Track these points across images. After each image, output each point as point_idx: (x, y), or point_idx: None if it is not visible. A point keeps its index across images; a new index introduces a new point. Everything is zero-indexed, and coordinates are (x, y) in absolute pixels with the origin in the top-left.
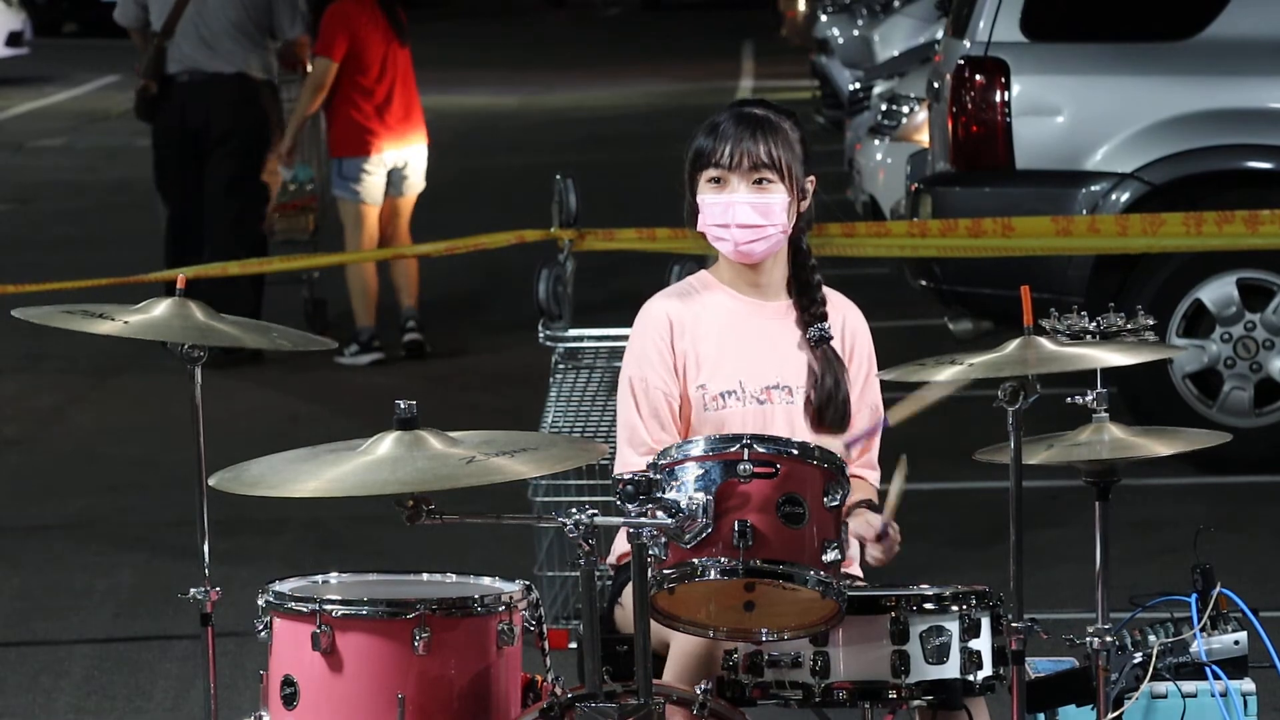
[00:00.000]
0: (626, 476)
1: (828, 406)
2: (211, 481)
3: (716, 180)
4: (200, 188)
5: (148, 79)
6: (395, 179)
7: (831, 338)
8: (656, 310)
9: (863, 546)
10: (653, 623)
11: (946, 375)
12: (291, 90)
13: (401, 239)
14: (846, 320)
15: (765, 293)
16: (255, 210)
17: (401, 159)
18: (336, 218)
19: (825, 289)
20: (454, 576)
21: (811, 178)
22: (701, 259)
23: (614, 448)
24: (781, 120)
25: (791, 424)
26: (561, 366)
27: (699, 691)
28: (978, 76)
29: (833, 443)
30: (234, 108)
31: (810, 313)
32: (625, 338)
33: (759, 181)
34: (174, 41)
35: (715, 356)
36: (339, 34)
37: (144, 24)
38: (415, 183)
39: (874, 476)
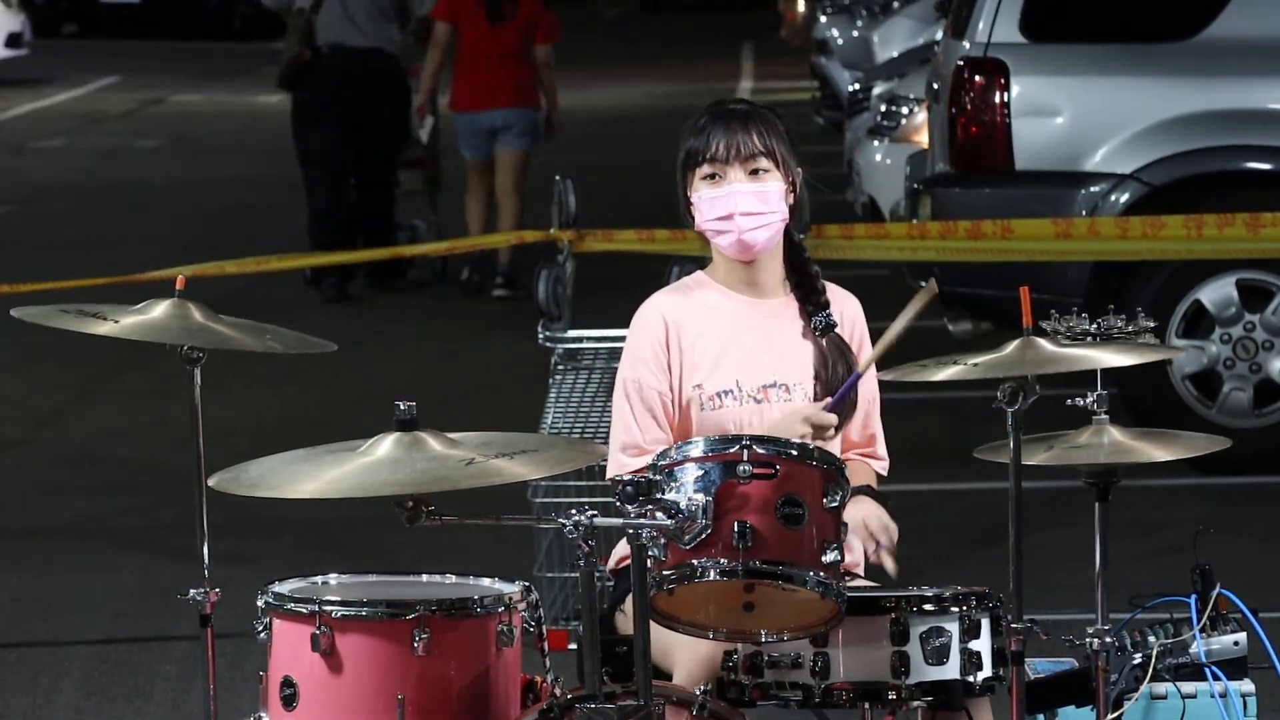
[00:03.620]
0: (626, 477)
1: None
2: (211, 482)
3: (712, 176)
4: (338, 148)
5: (301, 47)
6: (497, 139)
7: (836, 324)
8: (651, 310)
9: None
10: (654, 634)
11: (946, 374)
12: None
13: (503, 193)
14: (845, 311)
15: (761, 290)
16: (390, 167)
17: (497, 121)
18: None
19: (823, 281)
20: (453, 577)
21: (799, 169)
22: (701, 260)
23: None
24: (765, 112)
25: None
26: (561, 367)
27: (698, 693)
28: (977, 77)
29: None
30: (373, 79)
31: (813, 303)
32: (624, 339)
33: (755, 172)
34: (320, 17)
35: (712, 356)
36: (443, 2)
37: (289, 6)
38: (509, 145)
39: (880, 466)
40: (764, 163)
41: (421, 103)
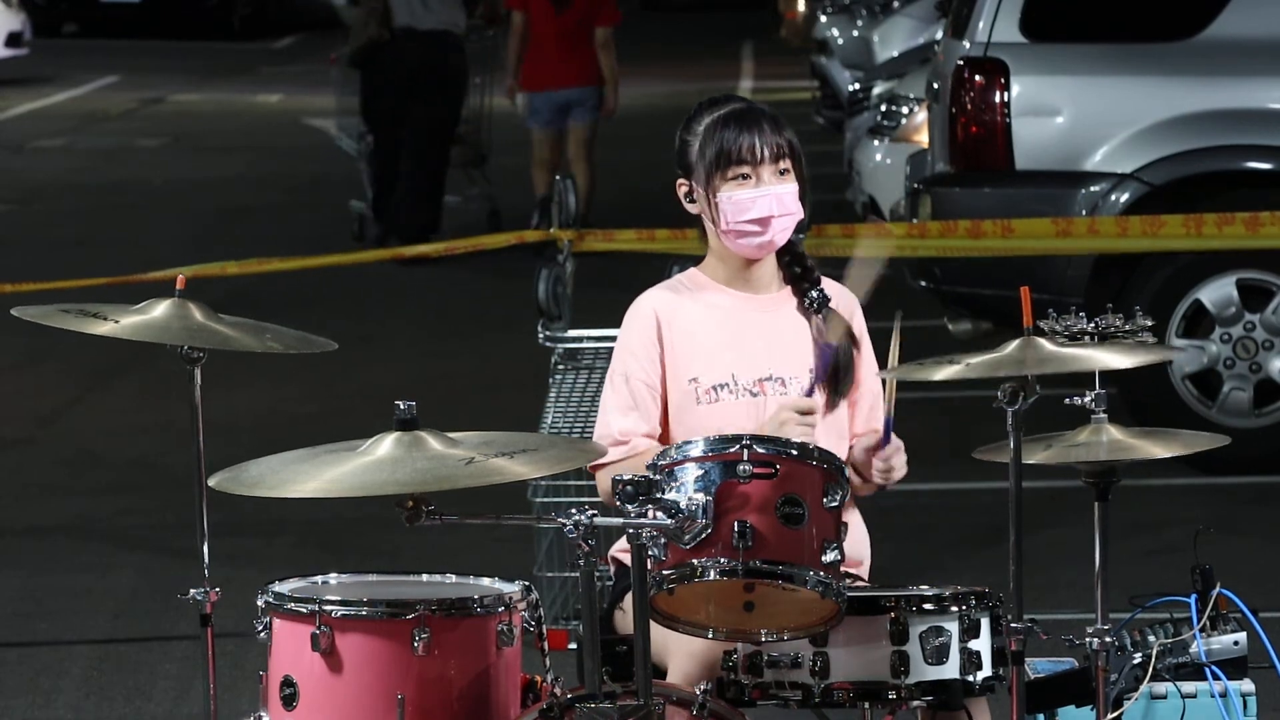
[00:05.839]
0: (626, 477)
1: (841, 370)
2: (211, 482)
3: (744, 177)
4: (404, 122)
5: (381, 29)
6: (570, 115)
7: (830, 299)
8: (643, 305)
9: (860, 475)
10: (653, 632)
11: (946, 373)
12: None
13: (575, 161)
14: (840, 305)
15: (757, 286)
16: (447, 142)
17: (564, 98)
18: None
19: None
20: (453, 577)
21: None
22: (700, 260)
23: None
24: (773, 109)
25: None
26: (561, 367)
27: (699, 692)
28: (977, 77)
29: (841, 429)
30: (442, 58)
31: (806, 280)
32: None
33: (783, 171)
34: (395, 1)
35: (708, 350)
36: None
37: None
38: (579, 119)
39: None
40: (787, 163)
41: (511, 83)
